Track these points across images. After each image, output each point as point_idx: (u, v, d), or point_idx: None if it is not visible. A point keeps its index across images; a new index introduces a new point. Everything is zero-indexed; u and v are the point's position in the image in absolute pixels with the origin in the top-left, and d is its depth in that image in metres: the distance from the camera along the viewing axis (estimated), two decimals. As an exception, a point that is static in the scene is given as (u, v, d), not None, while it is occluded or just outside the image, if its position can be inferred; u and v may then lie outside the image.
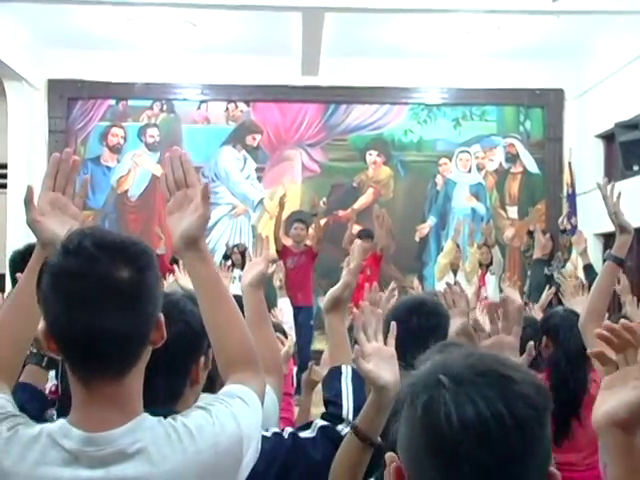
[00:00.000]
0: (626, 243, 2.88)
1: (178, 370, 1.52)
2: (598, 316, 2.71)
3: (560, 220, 9.82)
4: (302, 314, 8.61)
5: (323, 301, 2.22)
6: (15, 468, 1.32)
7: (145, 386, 1.40)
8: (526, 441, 1.01)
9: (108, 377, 1.35)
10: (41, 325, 1.39)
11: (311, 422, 2.02)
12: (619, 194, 2.96)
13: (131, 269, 1.34)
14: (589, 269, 6.26)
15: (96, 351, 1.33)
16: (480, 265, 9.41)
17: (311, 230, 8.88)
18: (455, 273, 9.24)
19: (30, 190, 1.67)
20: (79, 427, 1.33)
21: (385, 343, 1.90)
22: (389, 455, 1.08)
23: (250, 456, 1.45)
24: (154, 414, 1.39)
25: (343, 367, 2.13)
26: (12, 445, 1.33)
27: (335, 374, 2.17)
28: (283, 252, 9.04)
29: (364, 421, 1.83)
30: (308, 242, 9.18)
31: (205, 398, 1.65)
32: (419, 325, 2.67)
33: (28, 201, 1.66)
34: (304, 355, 7.36)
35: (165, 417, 1.39)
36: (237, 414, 1.44)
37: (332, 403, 2.02)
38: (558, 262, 8.68)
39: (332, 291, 2.40)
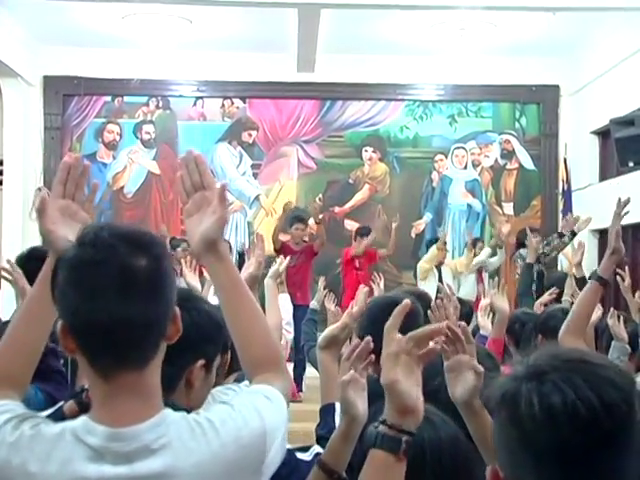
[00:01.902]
0: (613, 264, 2.91)
1: (173, 360, 1.51)
2: (577, 330, 2.77)
3: (562, 224, 9.66)
4: (300, 312, 8.53)
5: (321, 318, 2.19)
6: (43, 468, 1.31)
7: None
8: (616, 424, 1.00)
9: (129, 367, 1.35)
10: (59, 326, 1.38)
11: (309, 446, 2.03)
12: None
13: (149, 257, 1.35)
14: (582, 282, 6.19)
15: (118, 339, 1.33)
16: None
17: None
18: (439, 270, 9.27)
19: (44, 200, 1.64)
20: (102, 423, 1.33)
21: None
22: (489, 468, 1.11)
23: (275, 451, 1.44)
24: None
25: (336, 404, 2.12)
26: (37, 444, 1.33)
27: (328, 410, 2.20)
28: (283, 250, 9.03)
29: (331, 455, 1.80)
30: (306, 238, 9.19)
31: (227, 394, 1.65)
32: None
33: (42, 210, 1.62)
34: (300, 351, 7.33)
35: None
36: (260, 409, 1.44)
37: (325, 439, 2.00)
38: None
39: (330, 330, 2.36)
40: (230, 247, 9.28)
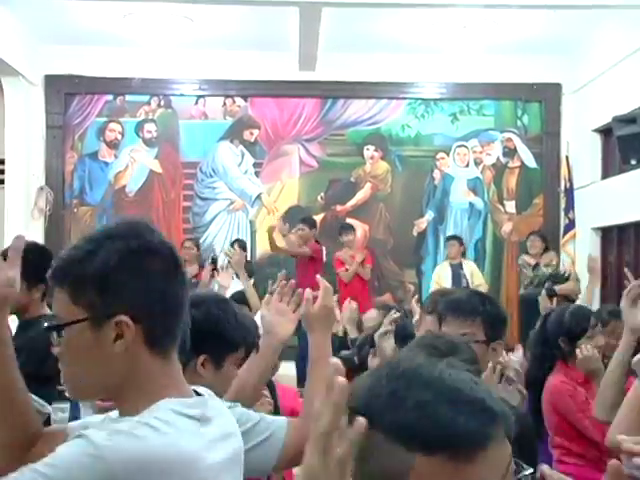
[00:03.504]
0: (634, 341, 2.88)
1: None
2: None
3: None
4: None
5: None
6: (199, 452, 1.38)
7: None
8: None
9: (176, 347, 1.48)
10: (124, 319, 1.40)
11: None
12: None
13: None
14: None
15: (179, 321, 1.47)
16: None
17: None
18: (460, 266, 9.33)
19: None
20: (183, 396, 1.43)
21: None
22: None
23: None
24: None
25: None
26: (182, 433, 1.37)
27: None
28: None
29: None
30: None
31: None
32: None
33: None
34: (302, 346, 7.32)
35: None
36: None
37: None
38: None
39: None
40: (245, 250, 9.39)
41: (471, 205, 10.55)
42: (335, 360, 0.90)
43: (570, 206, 10.01)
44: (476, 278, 9.32)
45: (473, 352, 2.41)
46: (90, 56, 9.95)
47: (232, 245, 9.42)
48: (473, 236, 10.22)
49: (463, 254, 9.68)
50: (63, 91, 10.19)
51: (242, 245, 9.37)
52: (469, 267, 9.38)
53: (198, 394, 1.50)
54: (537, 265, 9.05)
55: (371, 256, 9.62)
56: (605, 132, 9.45)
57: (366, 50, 9.87)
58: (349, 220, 10.29)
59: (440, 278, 9.29)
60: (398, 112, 10.54)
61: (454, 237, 9.79)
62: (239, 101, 10.52)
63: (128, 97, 10.44)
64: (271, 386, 3.49)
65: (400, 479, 0.95)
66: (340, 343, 4.94)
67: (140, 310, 1.40)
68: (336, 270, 9.31)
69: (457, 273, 9.30)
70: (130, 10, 8.79)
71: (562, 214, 10.20)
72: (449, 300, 3.00)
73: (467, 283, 9.13)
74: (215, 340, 2.08)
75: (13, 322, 3.30)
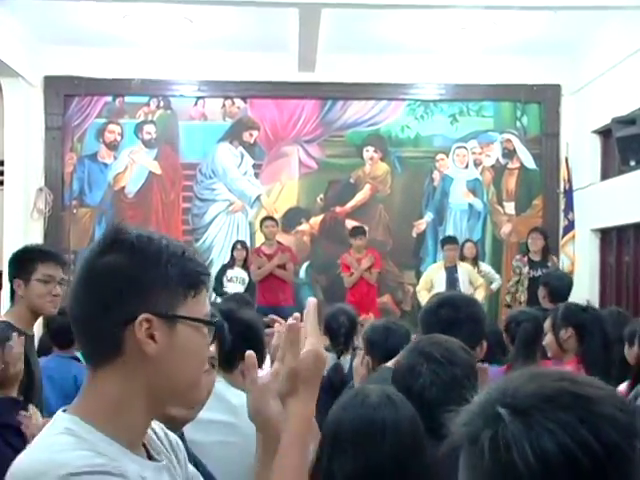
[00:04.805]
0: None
1: None
2: None
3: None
4: (285, 313, 8.51)
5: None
6: None
7: None
8: (621, 470, 0.85)
9: None
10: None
11: None
12: None
13: None
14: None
15: None
16: (464, 260, 9.47)
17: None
18: (455, 270, 9.22)
19: None
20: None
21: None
22: None
23: None
24: None
25: None
26: None
27: None
28: (255, 254, 9.24)
29: None
30: (278, 238, 9.42)
31: None
32: (445, 317, 2.79)
33: None
34: None
35: None
36: None
37: None
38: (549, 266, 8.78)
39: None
40: (247, 250, 9.52)
41: (470, 206, 10.55)
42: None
43: (569, 207, 10.01)
44: (474, 280, 9.24)
45: (471, 357, 2.40)
46: (89, 57, 9.95)
47: (235, 245, 9.47)
48: (472, 237, 10.20)
49: (476, 257, 9.61)
50: (62, 92, 10.19)
51: (244, 246, 9.47)
52: (465, 270, 9.26)
53: None
54: (539, 262, 8.94)
55: (379, 260, 9.58)
56: (604, 133, 9.45)
57: (365, 51, 9.87)
58: (349, 222, 10.30)
59: (433, 282, 9.14)
60: (397, 113, 10.54)
61: (451, 239, 9.63)
62: (238, 102, 10.52)
63: (127, 98, 10.45)
64: None
65: None
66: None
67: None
68: (342, 274, 9.39)
69: (452, 277, 9.17)
70: (129, 11, 8.78)
71: (561, 215, 10.20)
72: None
73: (460, 288, 8.94)
74: None
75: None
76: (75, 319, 1.33)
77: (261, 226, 9.56)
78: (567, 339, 3.83)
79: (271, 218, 9.67)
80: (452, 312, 2.87)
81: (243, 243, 9.60)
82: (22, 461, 1.26)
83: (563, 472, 0.83)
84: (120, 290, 1.30)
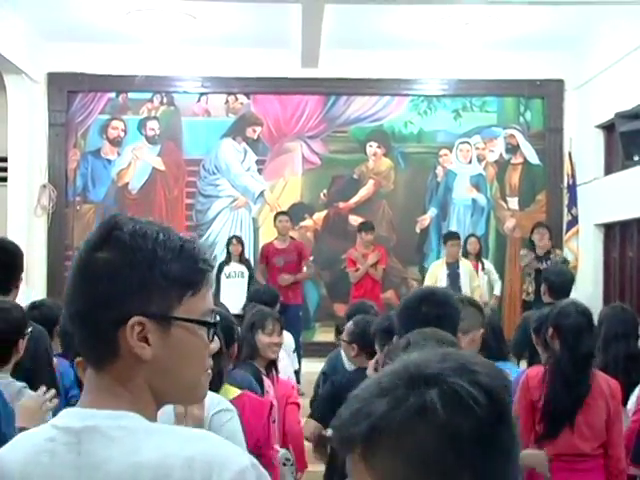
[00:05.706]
0: None
1: None
2: None
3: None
4: (291, 311, 8.50)
5: None
6: None
7: None
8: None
9: None
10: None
11: None
12: None
13: None
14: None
15: None
16: (467, 255, 9.48)
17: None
18: (457, 265, 9.23)
19: None
20: None
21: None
22: None
23: None
24: None
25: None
26: None
27: None
28: (267, 251, 9.21)
29: None
30: (292, 234, 9.41)
31: None
32: (427, 314, 2.76)
33: None
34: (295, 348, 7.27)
35: None
36: None
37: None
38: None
39: None
40: (242, 245, 9.53)
41: (474, 201, 10.55)
42: None
43: (573, 202, 10.00)
44: (473, 280, 9.22)
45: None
46: (93, 54, 9.96)
47: (230, 241, 9.50)
48: (476, 233, 10.19)
49: (479, 253, 9.62)
50: (66, 89, 10.20)
51: (240, 241, 9.50)
52: (467, 268, 9.26)
53: None
54: (544, 256, 8.94)
55: (385, 257, 9.59)
56: (608, 128, 9.44)
57: (369, 47, 9.87)
58: (352, 217, 10.30)
59: (438, 278, 9.09)
60: (401, 109, 10.53)
61: (453, 235, 9.62)
62: (242, 98, 10.52)
63: (131, 95, 10.45)
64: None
65: None
66: None
67: None
68: (347, 269, 9.40)
69: (454, 273, 9.17)
70: (133, 7, 8.79)
71: (565, 210, 10.20)
72: None
73: (461, 284, 8.95)
74: None
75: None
76: (71, 316, 1.31)
77: (275, 221, 9.52)
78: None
79: (285, 213, 9.63)
80: (434, 308, 2.85)
81: (239, 238, 9.64)
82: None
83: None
84: (111, 290, 1.26)
